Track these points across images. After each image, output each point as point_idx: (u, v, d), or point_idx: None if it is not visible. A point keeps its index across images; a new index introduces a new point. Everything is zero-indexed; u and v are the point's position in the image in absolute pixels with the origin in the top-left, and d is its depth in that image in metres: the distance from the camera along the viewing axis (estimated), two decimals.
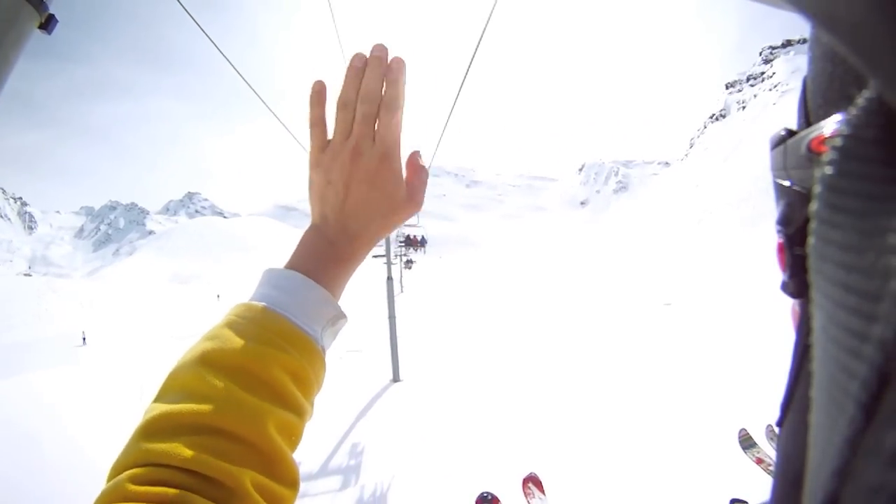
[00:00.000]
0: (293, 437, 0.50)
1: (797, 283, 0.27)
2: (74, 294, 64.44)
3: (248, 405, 0.46)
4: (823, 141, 0.24)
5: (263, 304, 0.53)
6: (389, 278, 15.10)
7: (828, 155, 0.17)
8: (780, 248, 0.28)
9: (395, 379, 13.48)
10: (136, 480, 0.40)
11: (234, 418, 0.45)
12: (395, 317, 14.42)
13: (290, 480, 0.48)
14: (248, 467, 0.44)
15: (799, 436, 0.30)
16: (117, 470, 0.42)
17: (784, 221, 0.28)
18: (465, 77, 5.20)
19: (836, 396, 0.15)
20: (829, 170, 0.16)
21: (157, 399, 0.47)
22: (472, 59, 5.07)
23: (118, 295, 67.55)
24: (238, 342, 0.49)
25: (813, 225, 0.18)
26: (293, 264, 0.58)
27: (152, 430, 0.44)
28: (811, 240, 0.18)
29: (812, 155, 0.25)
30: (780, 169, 0.29)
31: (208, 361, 0.48)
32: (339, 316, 0.58)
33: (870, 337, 0.14)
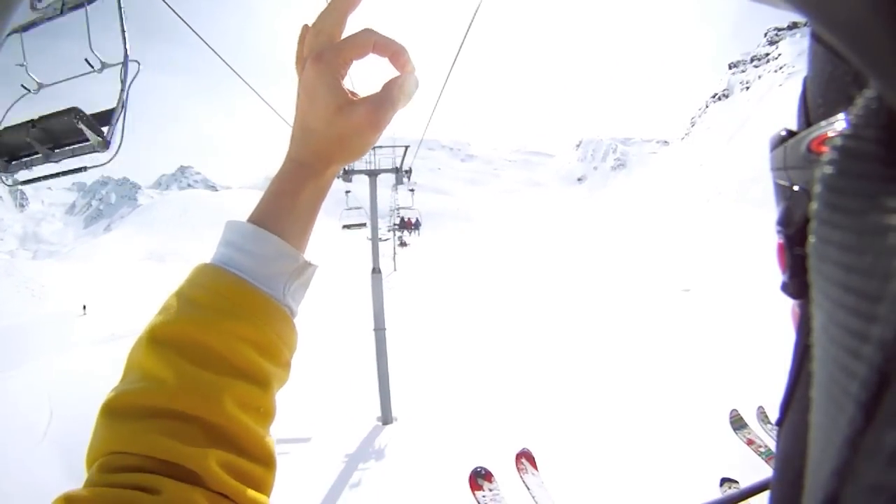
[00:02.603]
0: (260, 410, 0.48)
1: (797, 284, 0.27)
2: (29, 279, 59.12)
3: (200, 382, 0.44)
4: (823, 141, 0.24)
5: (214, 264, 0.50)
6: (376, 270, 10.89)
7: (828, 155, 0.16)
8: (780, 249, 0.28)
9: (386, 420, 9.87)
10: (105, 468, 0.41)
11: (187, 398, 0.43)
12: (384, 329, 10.29)
13: (263, 457, 0.47)
14: (211, 446, 0.43)
15: (799, 436, 0.30)
16: (90, 456, 0.43)
17: (784, 222, 0.28)
18: (460, 47, 5.12)
19: (836, 396, 0.15)
20: (829, 170, 0.16)
21: (120, 380, 0.47)
22: (467, 30, 4.86)
23: (79, 279, 62.56)
24: (186, 313, 0.47)
25: (813, 225, 0.18)
26: (255, 210, 0.55)
27: (113, 412, 0.44)
28: (811, 240, 0.18)
29: (812, 155, 0.25)
30: (780, 169, 0.29)
31: (157, 337, 0.46)
32: (304, 266, 0.55)
33: (870, 337, 0.14)
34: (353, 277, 34.94)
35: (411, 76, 0.57)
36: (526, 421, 8.63)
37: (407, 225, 34.80)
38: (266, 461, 0.48)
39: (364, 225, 16.95)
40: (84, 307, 42.25)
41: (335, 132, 0.54)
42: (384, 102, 0.54)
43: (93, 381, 13.02)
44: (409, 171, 13.23)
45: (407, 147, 12.53)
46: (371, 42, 0.54)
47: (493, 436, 7.90)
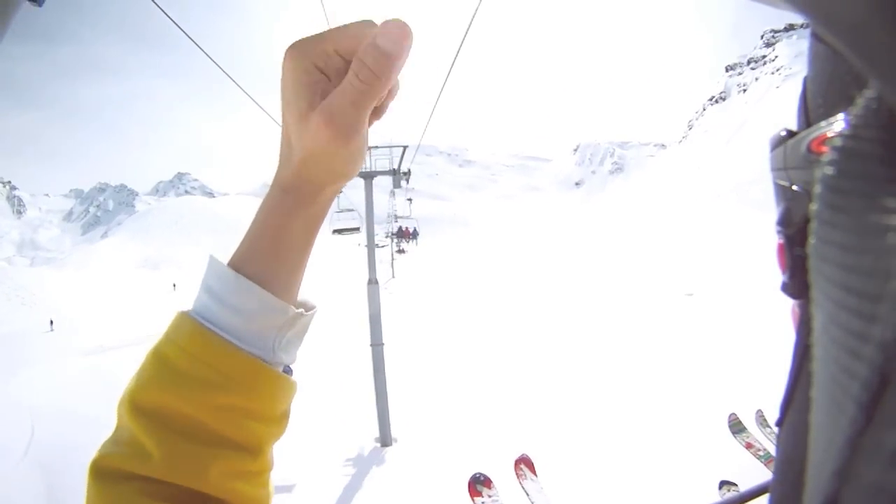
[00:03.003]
0: (252, 472, 0.47)
1: (798, 284, 0.27)
2: (20, 287, 56.01)
3: (185, 455, 0.43)
4: (824, 141, 0.25)
5: (196, 321, 0.46)
6: (372, 281, 9.73)
7: (828, 155, 0.17)
8: (781, 249, 0.28)
9: (385, 442, 8.99)
10: None
11: (172, 470, 0.42)
12: (382, 344, 9.26)
13: None
14: None
15: (799, 436, 0.30)
16: None
17: (784, 222, 0.28)
18: (457, 52, 5.12)
19: (837, 397, 0.15)
20: (829, 170, 0.16)
21: (112, 434, 0.46)
22: (465, 34, 4.85)
23: (71, 287, 60.25)
24: (168, 380, 0.44)
25: (813, 225, 0.18)
26: (238, 249, 0.48)
27: (100, 473, 0.43)
28: (811, 240, 0.18)
29: (812, 155, 0.25)
30: (781, 169, 0.29)
31: (139, 405, 0.44)
32: (294, 318, 0.48)
33: (870, 338, 0.14)
34: (344, 287, 33.51)
35: (376, 44, 0.39)
36: (525, 427, 8.50)
37: (405, 234, 34.84)
38: None
39: (357, 229, 15.27)
40: (51, 322, 38.05)
41: (305, 146, 0.44)
42: (341, 103, 0.41)
43: (78, 397, 12.46)
44: (407, 173, 12.18)
45: (405, 147, 11.55)
46: (365, 36, 0.41)
47: (492, 442, 7.75)
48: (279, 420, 0.49)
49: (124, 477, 0.42)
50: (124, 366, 11.90)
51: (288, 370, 0.52)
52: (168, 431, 0.43)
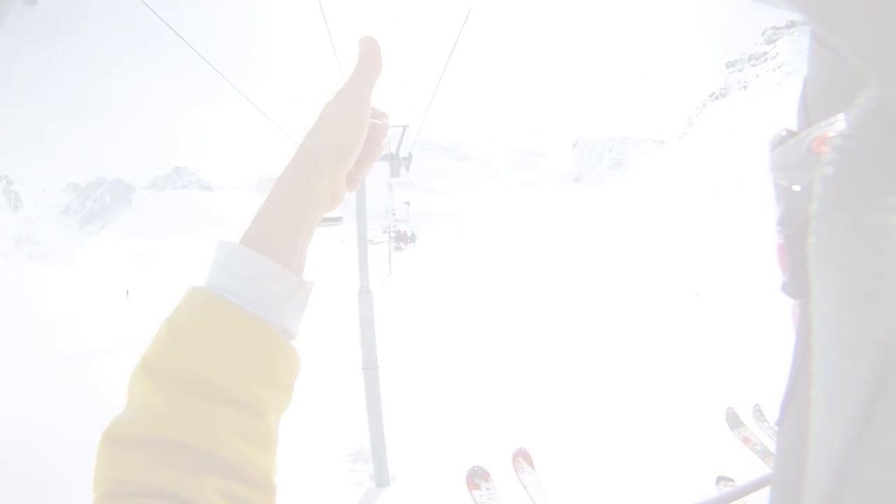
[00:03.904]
0: (257, 437, 0.47)
1: (797, 284, 0.27)
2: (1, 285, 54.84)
3: (190, 409, 0.44)
4: (824, 141, 0.25)
5: (207, 289, 0.49)
6: (365, 290, 7.78)
7: (828, 155, 0.17)
8: (781, 249, 0.28)
9: (381, 482, 7.42)
10: (108, 495, 0.41)
11: (179, 426, 0.43)
12: (377, 367, 7.56)
13: (261, 483, 0.47)
14: (207, 473, 0.42)
15: (799, 435, 0.30)
16: (95, 481, 0.43)
17: (784, 222, 0.28)
18: (454, 44, 5.11)
19: (837, 397, 0.15)
20: (829, 169, 0.16)
21: (124, 408, 0.47)
22: (462, 27, 4.86)
23: (51, 285, 57.87)
24: (176, 339, 0.47)
25: (813, 225, 0.18)
26: (250, 226, 0.52)
27: (111, 440, 0.44)
28: (811, 240, 0.18)
29: (813, 155, 0.25)
30: (781, 169, 0.29)
31: (149, 366, 0.46)
32: (296, 286, 0.51)
33: (870, 337, 0.14)
34: (324, 292, 30.68)
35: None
36: (524, 422, 8.37)
37: (403, 238, 34.41)
38: (265, 486, 0.47)
39: (340, 219, 13.94)
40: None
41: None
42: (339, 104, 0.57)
43: (42, 416, 10.84)
44: (408, 158, 10.79)
45: (406, 127, 9.96)
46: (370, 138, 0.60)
47: (491, 435, 7.60)
48: (283, 390, 0.50)
49: (135, 443, 0.42)
50: (99, 379, 10.82)
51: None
52: (175, 388, 0.44)
